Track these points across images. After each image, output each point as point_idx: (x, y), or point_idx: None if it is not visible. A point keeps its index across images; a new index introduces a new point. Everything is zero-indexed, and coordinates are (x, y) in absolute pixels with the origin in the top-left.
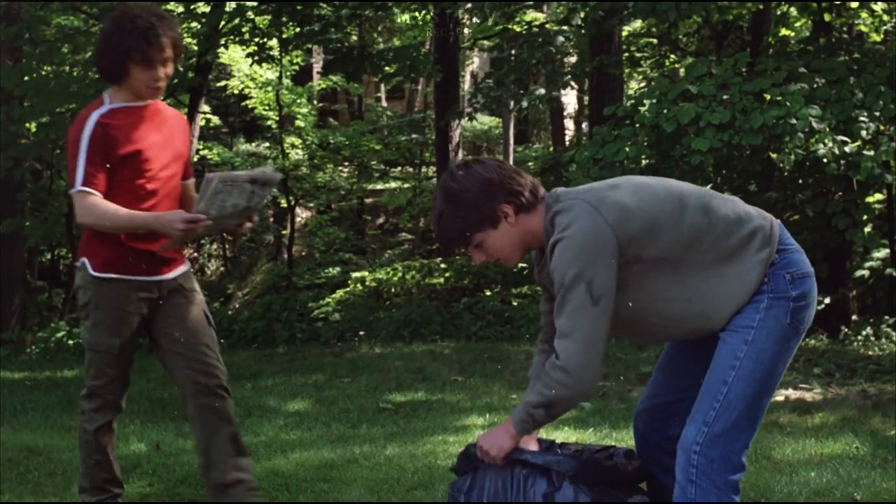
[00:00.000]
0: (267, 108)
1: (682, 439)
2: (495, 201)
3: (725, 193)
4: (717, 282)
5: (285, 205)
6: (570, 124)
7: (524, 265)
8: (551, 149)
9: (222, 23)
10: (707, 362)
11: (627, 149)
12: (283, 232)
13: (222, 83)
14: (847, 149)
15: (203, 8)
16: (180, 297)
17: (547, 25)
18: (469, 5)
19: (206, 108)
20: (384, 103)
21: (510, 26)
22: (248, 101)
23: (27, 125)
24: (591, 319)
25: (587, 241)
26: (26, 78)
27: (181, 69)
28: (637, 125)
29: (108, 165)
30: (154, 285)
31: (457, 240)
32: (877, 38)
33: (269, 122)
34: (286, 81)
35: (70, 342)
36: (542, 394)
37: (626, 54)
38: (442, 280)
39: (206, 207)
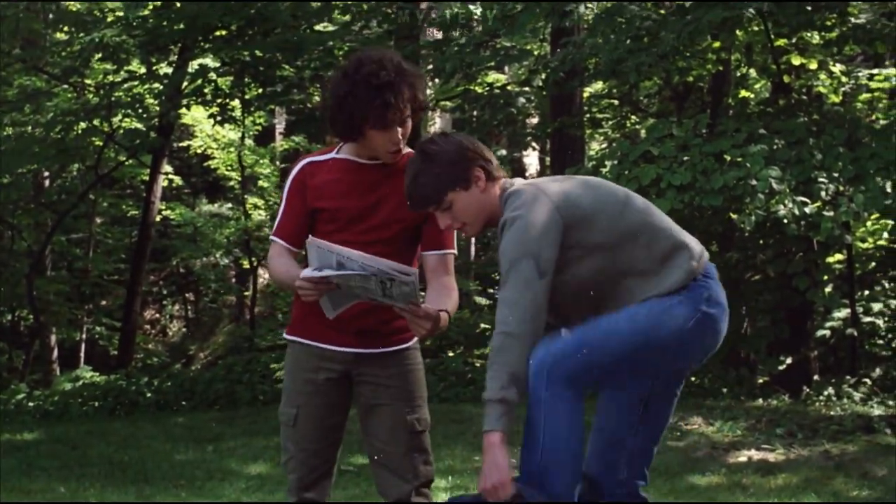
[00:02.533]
0: (229, 168)
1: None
2: (469, 163)
3: None
4: (647, 278)
5: (247, 266)
6: None
7: (487, 325)
8: None
9: (185, 83)
10: (636, 410)
11: None
12: (246, 293)
13: (185, 143)
14: (807, 210)
15: (166, 69)
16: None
17: (508, 87)
18: (431, 67)
19: (168, 168)
20: None
21: (472, 87)
22: (210, 162)
23: None
24: (535, 292)
25: (535, 220)
26: None
27: (144, 129)
28: None
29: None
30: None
31: (430, 197)
32: (835, 99)
33: (231, 183)
34: (248, 142)
35: (30, 404)
36: (499, 372)
37: (588, 115)
38: None
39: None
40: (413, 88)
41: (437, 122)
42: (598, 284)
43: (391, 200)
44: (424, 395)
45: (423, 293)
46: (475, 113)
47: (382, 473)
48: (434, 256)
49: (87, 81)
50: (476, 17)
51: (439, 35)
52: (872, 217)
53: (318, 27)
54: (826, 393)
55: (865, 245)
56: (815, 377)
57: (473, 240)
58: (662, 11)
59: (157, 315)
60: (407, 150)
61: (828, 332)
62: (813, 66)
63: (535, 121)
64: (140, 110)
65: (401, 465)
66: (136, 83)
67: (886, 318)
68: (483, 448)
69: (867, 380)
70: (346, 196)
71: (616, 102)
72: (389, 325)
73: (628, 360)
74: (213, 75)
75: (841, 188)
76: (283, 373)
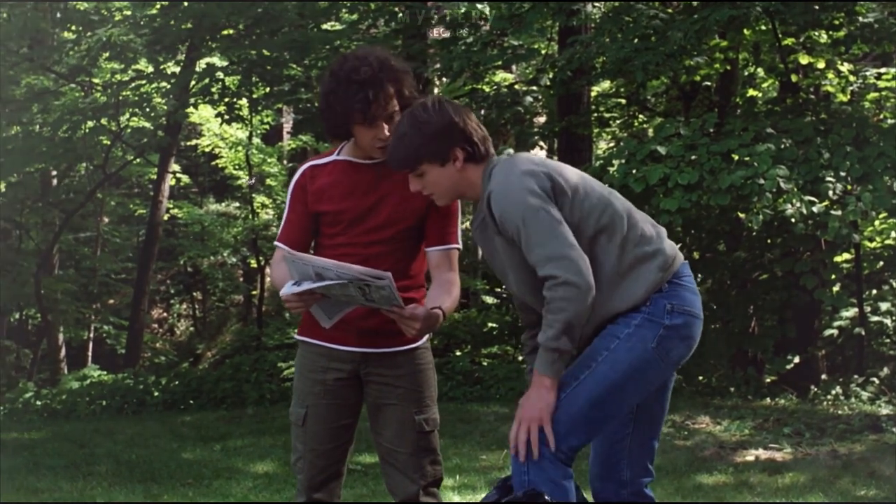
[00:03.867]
0: (237, 167)
1: None
2: (451, 142)
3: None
4: (609, 281)
5: (255, 265)
6: None
7: (494, 325)
8: None
9: (192, 82)
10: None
11: None
12: (253, 292)
13: (192, 142)
14: (815, 209)
15: (173, 68)
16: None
17: (516, 86)
18: (438, 66)
19: (176, 167)
20: None
21: (479, 87)
22: (218, 161)
23: None
24: (564, 235)
25: (526, 182)
26: None
27: (151, 128)
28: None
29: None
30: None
31: (405, 162)
32: (843, 98)
33: (239, 182)
34: (256, 141)
35: (38, 403)
36: (557, 323)
37: (595, 114)
38: None
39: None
40: (398, 83)
41: None
42: None
43: (392, 198)
44: (434, 394)
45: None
46: (482, 112)
47: (391, 473)
48: (437, 252)
49: (95, 81)
50: (485, 15)
51: (446, 34)
52: (880, 216)
53: (325, 26)
54: (833, 392)
55: (873, 244)
56: (823, 376)
57: None
58: (670, 10)
59: (165, 314)
60: None
61: (835, 332)
62: (821, 65)
63: (542, 120)
64: (147, 109)
65: (408, 465)
66: (143, 82)
67: (894, 318)
68: (535, 383)
69: (875, 379)
70: (346, 198)
71: (623, 101)
72: (396, 324)
73: (604, 407)
74: (220, 74)
75: (849, 187)
76: (294, 372)
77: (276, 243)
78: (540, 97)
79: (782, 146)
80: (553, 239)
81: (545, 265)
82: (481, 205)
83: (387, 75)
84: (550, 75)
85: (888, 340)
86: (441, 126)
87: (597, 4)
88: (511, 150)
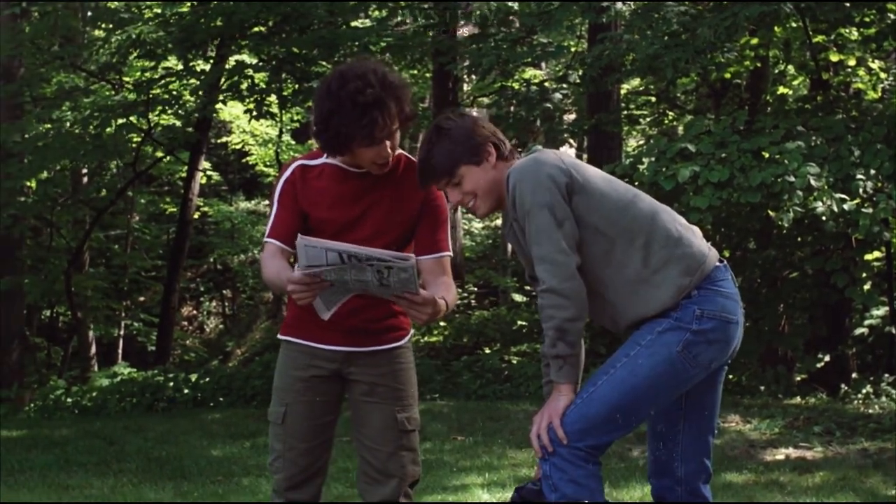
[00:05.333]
0: (267, 164)
1: None
2: (482, 139)
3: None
4: (634, 284)
5: None
6: None
7: (523, 323)
8: None
9: (222, 80)
10: (679, 405)
11: None
12: None
13: (223, 140)
14: (846, 206)
15: (203, 66)
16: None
17: (545, 83)
18: (468, 63)
19: (206, 164)
20: None
21: (508, 84)
22: (248, 158)
23: (28, 182)
24: (558, 240)
25: (543, 173)
26: (26, 135)
27: (181, 125)
28: (636, 183)
29: None
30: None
31: (443, 170)
32: (874, 95)
33: (268, 179)
34: (286, 138)
35: (68, 400)
36: (549, 331)
37: (625, 112)
38: (441, 338)
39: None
40: (400, 101)
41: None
42: (590, 272)
43: (379, 210)
44: (415, 394)
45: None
46: (511, 109)
47: (369, 472)
48: (430, 260)
49: (126, 79)
50: (515, 10)
51: (476, 31)
52: None
53: (354, 23)
54: (864, 391)
55: None
56: (853, 375)
57: None
58: (700, 7)
59: (195, 311)
60: (398, 150)
61: (866, 330)
62: (851, 62)
63: (572, 117)
64: (177, 107)
65: (389, 464)
66: (173, 79)
67: None
68: (549, 401)
69: None
70: (333, 207)
71: (653, 99)
72: (380, 323)
73: (622, 410)
74: (249, 71)
75: (880, 185)
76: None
77: (267, 239)
78: (569, 94)
79: (813, 144)
80: (547, 240)
81: (537, 265)
82: (507, 198)
83: (389, 94)
84: (580, 72)
85: None
86: (467, 128)
87: (626, 1)
88: (540, 147)
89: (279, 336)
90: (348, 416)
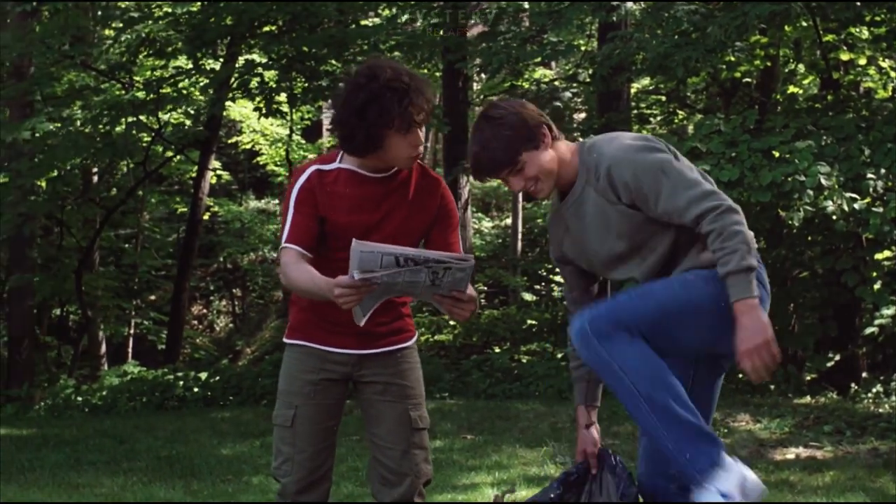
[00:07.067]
0: (277, 164)
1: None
2: (536, 123)
3: None
4: (701, 243)
5: None
6: None
7: (533, 322)
8: None
9: (232, 79)
10: None
11: None
12: None
13: (233, 139)
14: (856, 206)
15: (213, 65)
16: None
17: (555, 82)
18: (478, 62)
19: (216, 164)
20: None
21: (519, 83)
22: (258, 158)
23: (38, 181)
24: (697, 178)
25: (645, 144)
26: (37, 134)
27: (190, 124)
28: None
29: None
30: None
31: (504, 160)
32: (884, 94)
33: (279, 179)
34: (296, 137)
35: (78, 399)
36: (738, 244)
37: (635, 111)
38: (451, 337)
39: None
40: (425, 94)
41: None
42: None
43: (398, 215)
44: (423, 393)
45: None
46: None
47: (382, 472)
48: None
49: (136, 78)
50: (525, 9)
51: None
52: None
53: (363, 22)
54: (874, 390)
55: None
56: (864, 374)
57: (519, 236)
58: (710, 6)
59: (205, 310)
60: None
61: (876, 330)
62: (862, 61)
63: (582, 116)
64: (186, 105)
65: (402, 463)
66: (182, 78)
67: None
68: (741, 311)
69: None
70: (352, 211)
71: (663, 98)
72: (389, 325)
73: (668, 316)
74: (259, 69)
75: (890, 184)
76: (280, 376)
77: (286, 245)
78: (579, 93)
79: (823, 143)
80: (697, 180)
81: (700, 202)
82: (592, 181)
83: (419, 84)
84: (590, 71)
85: None
86: (519, 114)
87: (637, 0)
88: None
89: (285, 340)
90: (359, 415)
